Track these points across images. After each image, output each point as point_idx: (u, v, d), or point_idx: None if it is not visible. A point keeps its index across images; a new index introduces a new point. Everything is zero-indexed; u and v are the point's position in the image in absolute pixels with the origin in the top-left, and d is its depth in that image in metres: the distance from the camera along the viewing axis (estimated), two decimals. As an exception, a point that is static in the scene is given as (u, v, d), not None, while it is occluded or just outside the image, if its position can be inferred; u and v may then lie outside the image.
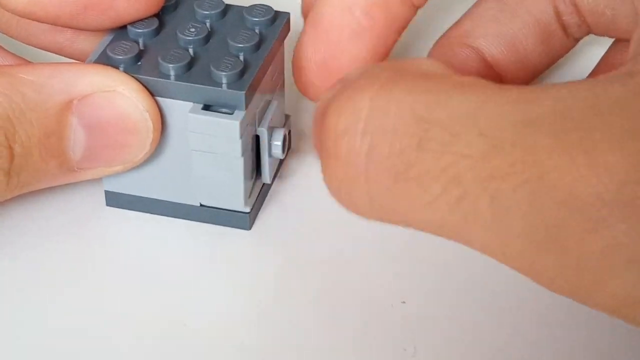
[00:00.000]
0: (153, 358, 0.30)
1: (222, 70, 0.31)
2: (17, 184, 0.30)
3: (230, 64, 0.31)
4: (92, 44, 0.35)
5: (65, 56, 0.36)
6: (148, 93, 0.31)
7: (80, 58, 0.35)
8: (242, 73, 0.31)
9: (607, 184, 0.21)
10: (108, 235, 0.34)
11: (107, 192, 0.34)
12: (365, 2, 0.33)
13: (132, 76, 0.31)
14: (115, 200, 0.34)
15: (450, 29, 0.37)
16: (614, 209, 0.21)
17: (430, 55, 0.37)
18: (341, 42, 0.33)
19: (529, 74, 0.36)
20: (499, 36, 0.35)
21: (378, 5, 0.33)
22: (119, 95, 0.30)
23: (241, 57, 0.32)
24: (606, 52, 0.37)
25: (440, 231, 0.24)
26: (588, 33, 0.36)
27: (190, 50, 0.32)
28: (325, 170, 0.25)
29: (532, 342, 0.30)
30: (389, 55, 0.34)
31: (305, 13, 0.35)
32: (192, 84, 0.31)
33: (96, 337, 0.30)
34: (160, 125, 0.31)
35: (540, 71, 0.37)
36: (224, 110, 0.31)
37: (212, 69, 0.31)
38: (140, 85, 0.31)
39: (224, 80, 0.30)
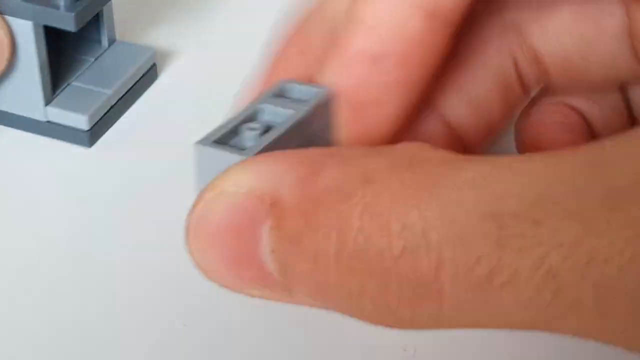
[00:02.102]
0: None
1: None
2: None
3: None
4: None
5: None
6: None
7: None
8: None
9: None
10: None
11: None
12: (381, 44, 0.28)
13: None
14: None
15: None
16: None
17: None
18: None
19: (491, 132, 0.35)
20: (462, 99, 0.33)
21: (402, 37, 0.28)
22: None
23: None
24: (527, 106, 0.35)
25: (527, 327, 0.23)
26: (540, 86, 0.35)
27: None
28: (373, 293, 0.23)
29: (532, 342, 0.31)
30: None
31: None
32: (29, 3, 0.35)
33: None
34: (12, 41, 0.35)
35: (500, 128, 0.35)
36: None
37: None
38: None
39: (62, 3, 0.34)
